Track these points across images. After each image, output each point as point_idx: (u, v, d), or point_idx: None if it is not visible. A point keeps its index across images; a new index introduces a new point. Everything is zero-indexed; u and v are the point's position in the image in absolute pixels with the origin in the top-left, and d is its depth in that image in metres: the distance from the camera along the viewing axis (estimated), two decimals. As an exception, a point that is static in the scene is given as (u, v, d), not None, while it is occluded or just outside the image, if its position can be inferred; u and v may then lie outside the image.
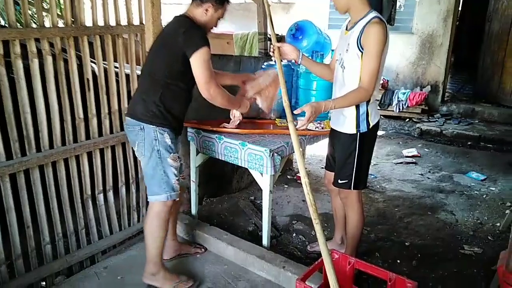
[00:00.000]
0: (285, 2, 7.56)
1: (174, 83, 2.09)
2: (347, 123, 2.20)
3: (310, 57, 2.73)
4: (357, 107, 2.14)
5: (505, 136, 5.27)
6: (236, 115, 2.60)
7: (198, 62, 2.00)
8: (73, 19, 2.28)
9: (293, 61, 2.35)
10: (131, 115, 2.13)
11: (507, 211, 3.22)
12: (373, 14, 2.04)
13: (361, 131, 2.18)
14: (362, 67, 2.03)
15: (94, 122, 2.43)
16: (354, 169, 2.23)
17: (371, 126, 2.19)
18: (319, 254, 2.70)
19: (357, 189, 2.30)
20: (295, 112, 2.07)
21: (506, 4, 5.96)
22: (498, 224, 3.16)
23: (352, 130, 2.19)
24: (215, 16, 2.15)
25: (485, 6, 6.49)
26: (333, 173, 2.41)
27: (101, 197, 2.58)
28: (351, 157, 2.22)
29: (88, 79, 2.35)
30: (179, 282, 2.26)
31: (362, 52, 2.04)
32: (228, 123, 2.70)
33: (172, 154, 2.13)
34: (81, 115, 2.36)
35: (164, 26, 2.24)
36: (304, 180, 1.84)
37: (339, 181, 2.30)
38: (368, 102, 2.16)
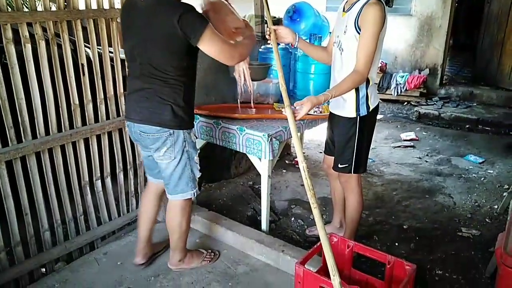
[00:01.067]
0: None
1: (189, 78, 1.99)
2: (347, 106, 2.18)
3: (307, 40, 2.70)
4: (357, 90, 2.12)
5: (503, 119, 5.27)
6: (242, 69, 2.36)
7: (208, 45, 1.84)
8: (66, 3, 2.23)
9: (289, 44, 2.32)
10: (156, 123, 1.95)
11: (505, 194, 3.23)
12: None
13: (361, 115, 2.17)
14: (358, 48, 2.00)
15: (89, 108, 2.40)
16: (354, 153, 2.22)
17: (371, 109, 2.18)
18: (317, 238, 2.70)
19: (357, 173, 2.30)
20: (293, 105, 2.01)
21: (506, -15, 5.89)
22: (496, 207, 3.17)
23: (352, 114, 2.18)
24: None
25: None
26: (332, 158, 2.40)
27: (99, 183, 2.56)
28: (351, 141, 2.21)
29: (82, 64, 2.32)
30: (204, 256, 2.39)
31: (359, 34, 2.00)
32: (231, 107, 2.65)
33: (197, 151, 2.12)
34: (77, 101, 2.32)
35: (129, 5, 1.92)
36: (302, 165, 1.82)
37: (339, 166, 2.29)
38: (367, 85, 2.13)
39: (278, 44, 2.24)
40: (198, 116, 2.66)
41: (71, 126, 2.33)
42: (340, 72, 2.14)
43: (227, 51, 1.91)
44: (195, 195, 2.18)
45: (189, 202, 2.19)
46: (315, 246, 2.03)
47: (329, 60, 2.30)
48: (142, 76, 1.93)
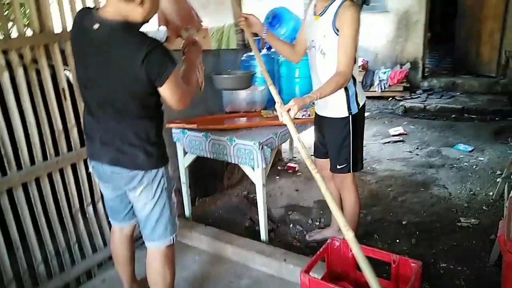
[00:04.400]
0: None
1: (159, 109, 1.73)
2: (338, 107, 2.19)
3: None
4: (346, 89, 2.13)
5: (487, 105, 5.34)
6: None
7: (170, 90, 1.58)
8: (41, 27, 2.18)
9: (260, 38, 2.36)
10: (129, 167, 1.70)
11: (498, 180, 3.25)
12: None
13: (352, 113, 2.19)
14: (339, 50, 2.00)
15: (74, 132, 2.33)
16: (351, 152, 2.24)
17: (360, 106, 2.20)
18: (318, 243, 2.69)
19: (355, 171, 2.31)
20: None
21: (477, -25, 5.99)
22: (491, 193, 3.18)
23: (344, 113, 2.19)
24: (154, 2, 1.56)
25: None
26: (323, 160, 2.42)
27: (90, 209, 2.49)
28: (346, 140, 2.22)
29: (63, 88, 2.26)
30: None
31: (338, 36, 2.03)
32: (218, 118, 2.59)
33: (173, 186, 1.89)
34: (60, 127, 2.26)
35: (79, 30, 1.61)
36: (299, 143, 1.84)
37: (338, 167, 2.29)
38: (354, 82, 2.16)
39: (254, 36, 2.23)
40: (186, 131, 2.61)
41: (57, 153, 2.26)
42: (324, 75, 2.13)
43: (184, 99, 1.66)
44: (174, 241, 1.88)
45: (172, 249, 1.89)
46: (317, 253, 1.99)
47: (296, 59, 2.38)
48: (103, 115, 1.66)
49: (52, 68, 2.25)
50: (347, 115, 2.18)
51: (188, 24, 1.94)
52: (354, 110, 2.18)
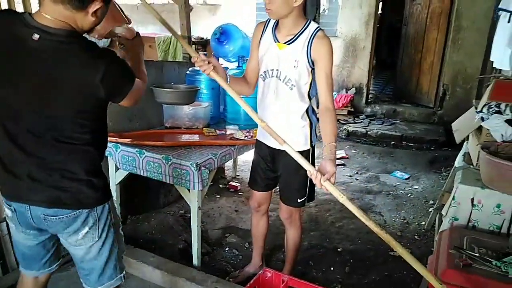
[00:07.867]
0: (211, 3, 7.41)
1: (104, 132, 1.53)
2: (301, 140, 2.05)
3: (236, 63, 2.60)
4: (310, 122, 2.05)
5: (425, 135, 5.58)
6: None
7: (128, 99, 1.47)
8: None
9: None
10: (71, 207, 1.43)
11: (430, 210, 3.36)
12: (314, 25, 1.90)
13: (313, 144, 2.11)
14: (322, 83, 1.89)
15: None
16: (309, 184, 2.14)
17: (317, 136, 2.10)
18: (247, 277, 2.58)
19: (311, 201, 2.25)
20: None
21: (420, 9, 6.32)
22: (423, 223, 3.28)
23: (307, 146, 2.08)
24: (105, 12, 1.42)
25: (401, 7, 6.90)
26: (264, 193, 2.29)
27: (4, 226, 2.24)
28: (306, 174, 2.08)
29: None
30: None
31: (311, 68, 1.92)
32: (157, 134, 2.47)
33: (120, 219, 1.68)
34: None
35: (6, 40, 1.32)
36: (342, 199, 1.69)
37: (299, 200, 2.18)
38: (315, 113, 2.08)
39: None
40: (119, 145, 2.44)
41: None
42: (289, 108, 2.01)
43: (140, 97, 1.55)
44: (124, 279, 1.66)
45: None
46: (248, 285, 1.90)
47: (249, 92, 2.15)
48: (36, 146, 1.38)
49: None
50: (309, 147, 2.08)
51: (119, 23, 1.80)
52: (314, 141, 2.10)
